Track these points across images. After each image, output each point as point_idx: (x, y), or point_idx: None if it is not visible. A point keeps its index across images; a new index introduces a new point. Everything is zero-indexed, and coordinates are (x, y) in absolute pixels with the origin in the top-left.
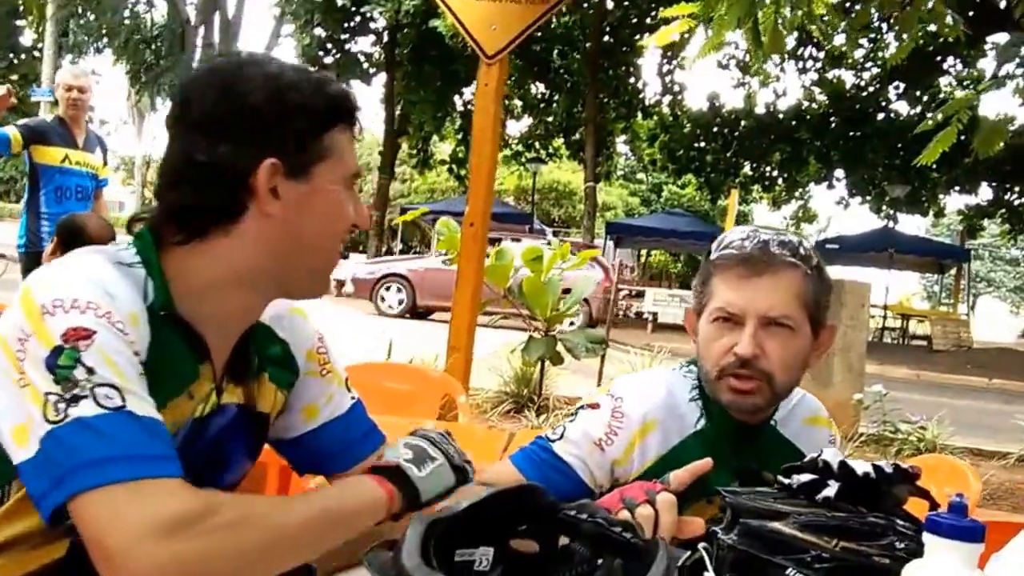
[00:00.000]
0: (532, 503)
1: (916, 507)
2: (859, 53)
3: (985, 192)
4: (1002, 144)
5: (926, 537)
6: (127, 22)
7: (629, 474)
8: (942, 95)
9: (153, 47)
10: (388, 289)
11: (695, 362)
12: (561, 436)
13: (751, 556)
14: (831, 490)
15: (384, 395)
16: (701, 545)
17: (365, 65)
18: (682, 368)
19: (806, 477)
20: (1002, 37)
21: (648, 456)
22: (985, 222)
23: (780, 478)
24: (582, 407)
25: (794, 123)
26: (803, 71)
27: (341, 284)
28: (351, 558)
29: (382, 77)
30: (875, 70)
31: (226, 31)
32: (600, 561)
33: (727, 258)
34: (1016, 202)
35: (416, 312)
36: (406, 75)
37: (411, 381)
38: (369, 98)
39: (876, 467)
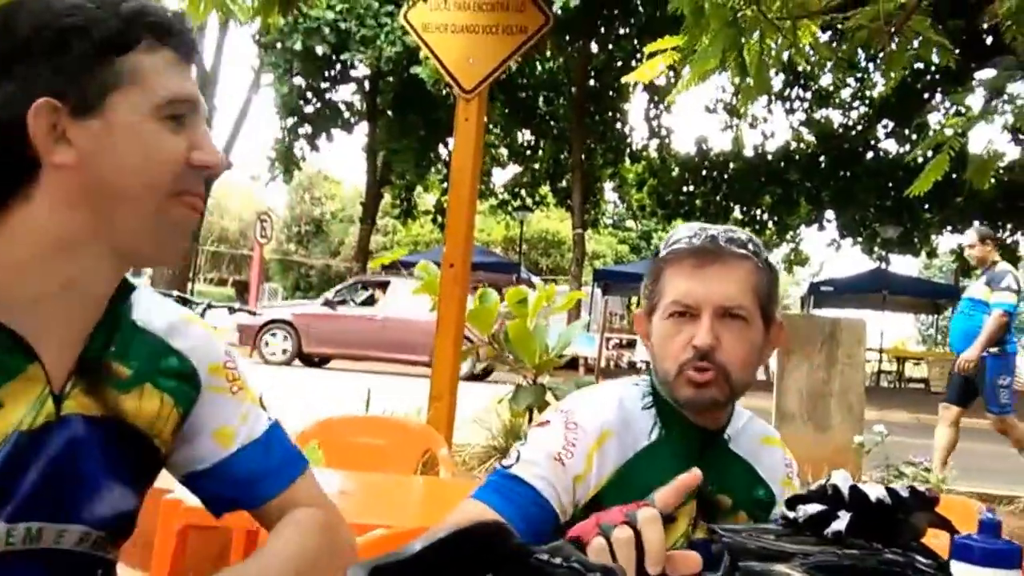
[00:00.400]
0: (498, 546)
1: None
2: (846, 92)
3: None
4: (993, 180)
5: (955, 567)
6: None
7: (588, 491)
8: (931, 132)
9: None
10: (267, 341)
11: (647, 373)
12: (517, 459)
13: None
14: (841, 523)
15: (359, 451)
16: None
17: (346, 114)
18: (632, 379)
19: (813, 508)
20: (989, 72)
21: (606, 468)
22: None
23: (784, 511)
24: (531, 429)
25: (783, 164)
26: (790, 111)
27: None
28: None
29: (364, 126)
30: (863, 109)
31: (203, 81)
32: None
33: (678, 252)
34: (1008, 240)
35: (307, 360)
36: (388, 124)
37: (388, 435)
38: (351, 147)
39: (891, 491)
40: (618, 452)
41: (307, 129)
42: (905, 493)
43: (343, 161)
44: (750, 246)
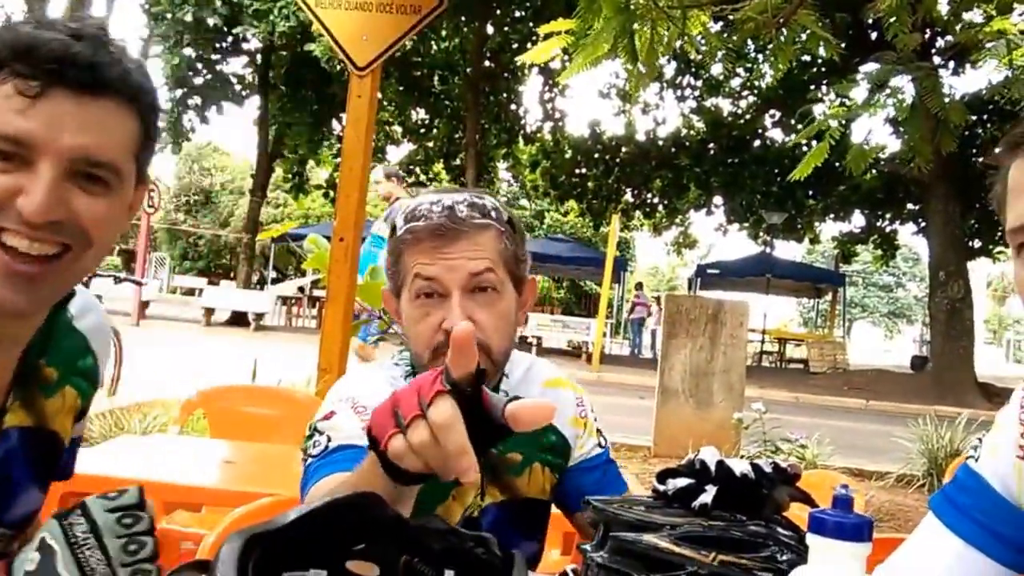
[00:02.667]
0: (373, 515)
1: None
2: (736, 82)
3: (858, 219)
4: (875, 171)
5: (810, 539)
6: None
7: None
8: (816, 123)
9: None
10: None
11: (407, 348)
12: (328, 441)
13: (623, 574)
14: (708, 496)
15: (247, 421)
16: (570, 567)
17: (237, 87)
18: (392, 359)
19: (682, 482)
20: (873, 66)
21: None
22: (858, 248)
23: (655, 484)
24: (314, 429)
25: (674, 150)
26: (682, 99)
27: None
28: None
29: (255, 100)
30: (751, 98)
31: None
32: None
33: (416, 231)
34: (887, 229)
35: None
36: (280, 98)
37: (276, 405)
38: (242, 120)
39: (755, 466)
40: None
41: (196, 101)
42: (768, 468)
43: (233, 133)
44: (491, 211)
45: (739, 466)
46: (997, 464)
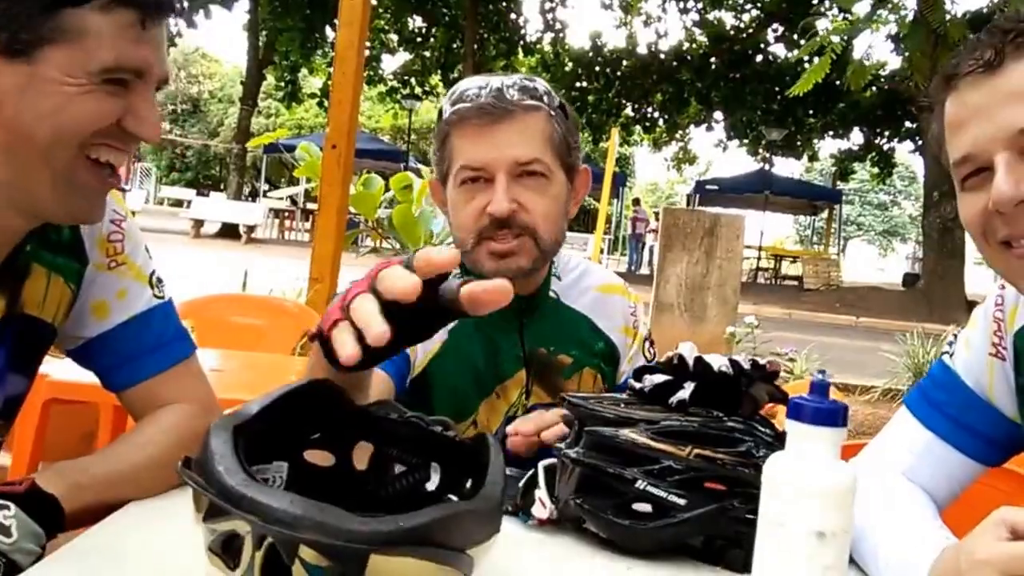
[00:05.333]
0: (329, 404)
1: None
2: None
3: (857, 137)
4: (875, 88)
5: (788, 424)
6: None
7: (414, 367)
8: (818, 37)
9: None
10: None
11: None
12: None
13: (598, 469)
14: (685, 392)
15: (235, 330)
16: (541, 464)
17: None
18: None
19: (659, 378)
20: None
21: (432, 342)
22: (856, 166)
23: (632, 381)
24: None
25: (675, 64)
26: (684, 11)
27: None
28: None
29: (244, 3)
30: (755, 12)
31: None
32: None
33: (462, 112)
34: (885, 147)
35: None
36: (271, 1)
37: (266, 315)
38: (232, 24)
39: (733, 362)
40: None
41: (183, 4)
42: (747, 364)
43: (223, 39)
44: (540, 91)
45: (717, 362)
46: (971, 359)
